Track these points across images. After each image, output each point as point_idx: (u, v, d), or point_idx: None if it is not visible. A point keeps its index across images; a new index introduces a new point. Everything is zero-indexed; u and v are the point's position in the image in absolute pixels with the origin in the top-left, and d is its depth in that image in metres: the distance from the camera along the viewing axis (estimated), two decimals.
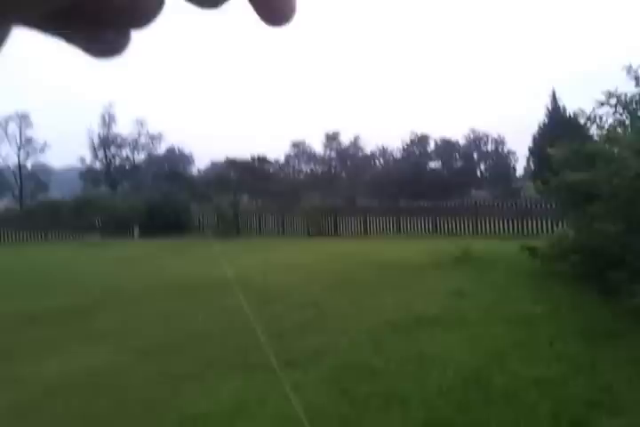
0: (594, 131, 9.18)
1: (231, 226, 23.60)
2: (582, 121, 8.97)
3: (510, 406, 3.65)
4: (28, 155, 51.40)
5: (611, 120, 8.31)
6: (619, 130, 8.29)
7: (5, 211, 41.70)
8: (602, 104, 8.16)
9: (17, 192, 50.47)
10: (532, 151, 41.97)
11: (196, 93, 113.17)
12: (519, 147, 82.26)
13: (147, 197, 28.59)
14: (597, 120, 8.40)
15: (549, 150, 8.87)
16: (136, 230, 24.37)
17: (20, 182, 50.21)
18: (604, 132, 8.37)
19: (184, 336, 6.16)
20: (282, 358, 5.09)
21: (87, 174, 53.59)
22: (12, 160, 50.94)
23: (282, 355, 5.22)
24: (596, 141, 8.77)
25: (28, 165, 53.31)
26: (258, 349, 5.48)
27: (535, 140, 41.37)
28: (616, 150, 7.52)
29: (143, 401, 4.25)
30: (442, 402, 3.75)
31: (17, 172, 50.41)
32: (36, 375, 5.01)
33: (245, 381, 4.55)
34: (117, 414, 4.05)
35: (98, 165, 53.96)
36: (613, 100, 8.06)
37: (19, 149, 50.53)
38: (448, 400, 3.77)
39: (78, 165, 55.47)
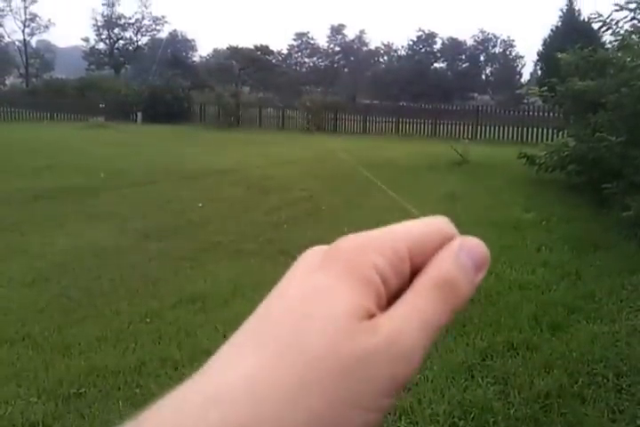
0: (607, 37, 8.71)
1: (232, 116, 23.18)
2: (597, 26, 8.47)
3: (493, 306, 3.72)
4: (32, 32, 49.38)
5: (627, 26, 7.83)
6: (634, 37, 7.85)
7: (11, 89, 40.72)
8: (620, 8, 7.64)
9: (22, 70, 48.94)
10: (540, 56, 40.41)
11: None
12: (528, 52, 79.30)
13: (149, 83, 27.80)
14: (613, 25, 7.92)
15: (559, 55, 8.48)
16: (139, 116, 23.98)
17: (26, 60, 48.51)
18: (618, 38, 7.92)
19: (184, 222, 6.20)
20: (276, 248, 5.15)
21: (91, 55, 51.88)
22: (17, 37, 49.02)
23: (276, 244, 5.29)
24: (608, 49, 8.35)
25: (33, 42, 51.47)
26: (254, 237, 5.54)
27: (546, 44, 39.69)
28: (628, 59, 7.16)
29: (145, 279, 4.33)
30: None
31: (22, 48, 48.58)
32: (44, 249, 5.08)
33: (241, 266, 4.62)
34: (121, 289, 4.14)
35: (102, 46, 52.20)
36: (633, 5, 7.53)
37: (23, 24, 48.37)
38: None
39: (82, 44, 53.69)
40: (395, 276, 0.29)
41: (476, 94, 54.35)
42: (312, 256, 0.31)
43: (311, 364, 0.26)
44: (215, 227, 5.96)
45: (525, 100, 23.56)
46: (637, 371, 2.87)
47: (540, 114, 17.33)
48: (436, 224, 0.32)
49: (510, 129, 18.30)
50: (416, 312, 0.28)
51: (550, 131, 15.87)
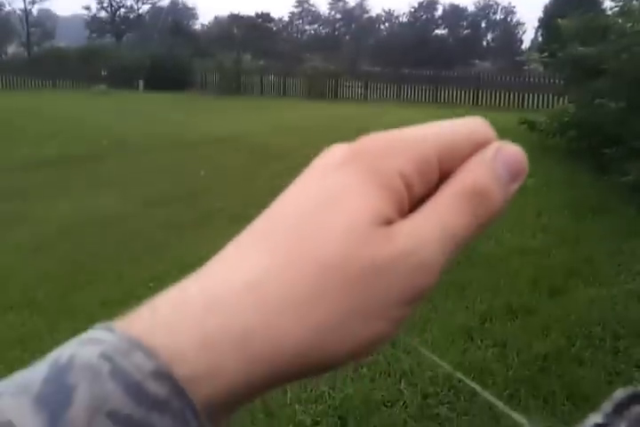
0: (608, 3, 8.51)
1: (233, 84, 22.91)
2: None
3: (493, 271, 3.70)
4: (33, 0, 48.44)
5: None
6: (635, 3, 7.67)
7: (13, 57, 40.24)
8: None
9: (24, 39, 48.20)
10: (541, 22, 39.70)
11: None
12: (529, 18, 77.82)
13: (151, 51, 27.41)
14: None
15: (560, 21, 8.29)
16: (141, 83, 23.70)
17: (27, 28, 47.72)
18: (619, 4, 7.74)
19: (186, 189, 6.15)
20: None
21: (92, 23, 51.07)
22: (18, 5, 48.19)
23: None
24: (609, 15, 8.17)
25: (34, 11, 50.55)
26: (256, 203, 5.50)
27: (546, 10, 39.00)
28: (629, 25, 7.00)
29: (148, 245, 4.32)
30: None
31: (23, 17, 47.73)
32: (48, 216, 5.05)
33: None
34: (124, 255, 4.13)
35: (103, 14, 51.34)
36: None
37: None
38: None
39: (84, 12, 52.78)
40: (420, 183, 0.26)
41: (476, 61, 53.62)
42: (332, 155, 0.28)
43: (322, 271, 0.24)
44: (217, 193, 5.91)
45: (526, 67, 23.23)
46: (634, 333, 2.86)
47: (541, 80, 17.06)
48: (472, 126, 0.28)
49: (511, 95, 18.02)
50: (439, 222, 0.25)
51: (551, 97, 15.67)
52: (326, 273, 0.24)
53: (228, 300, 0.23)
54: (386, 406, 2.30)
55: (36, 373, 0.22)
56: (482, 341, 2.80)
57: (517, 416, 0.24)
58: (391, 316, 0.25)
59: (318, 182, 0.26)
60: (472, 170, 0.26)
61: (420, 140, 0.26)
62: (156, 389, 0.21)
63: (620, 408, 0.23)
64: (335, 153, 0.28)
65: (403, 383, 2.44)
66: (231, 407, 0.24)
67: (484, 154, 0.27)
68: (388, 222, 0.25)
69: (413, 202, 0.26)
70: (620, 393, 0.24)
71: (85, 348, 0.22)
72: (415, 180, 0.25)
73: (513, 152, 0.27)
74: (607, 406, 0.23)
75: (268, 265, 0.24)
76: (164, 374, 0.21)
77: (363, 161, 0.26)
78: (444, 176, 0.26)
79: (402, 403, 2.31)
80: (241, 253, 0.26)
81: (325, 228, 0.24)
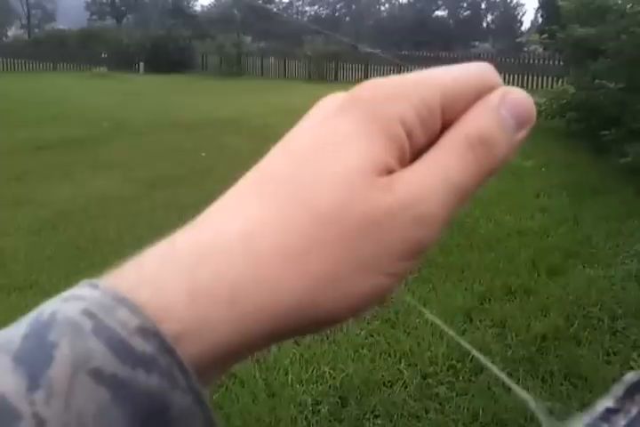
0: None
1: (234, 66, 22.73)
2: None
3: (492, 251, 3.68)
4: None
5: None
6: None
7: (14, 40, 39.89)
8: None
9: (24, 21, 47.71)
10: (541, 3, 39.23)
11: None
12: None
13: (151, 33, 27.15)
14: None
15: (560, 2, 8.18)
16: (141, 65, 23.52)
17: (28, 10, 47.20)
18: None
19: (187, 170, 6.11)
20: None
21: (92, 5, 50.46)
22: None
23: None
24: None
25: None
26: None
27: None
28: (629, 6, 6.91)
29: (150, 227, 4.29)
30: None
31: None
32: (50, 198, 5.02)
33: None
34: (126, 237, 4.11)
35: None
36: None
37: None
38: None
39: None
40: (422, 130, 0.24)
41: (477, 42, 53.14)
42: (330, 102, 0.26)
43: (318, 223, 0.22)
44: (219, 175, 5.87)
45: (526, 49, 23.02)
46: (632, 314, 2.86)
47: (541, 61, 16.91)
48: (478, 71, 0.27)
49: (511, 77, 17.84)
50: (441, 172, 0.23)
51: (551, 78, 15.52)
52: (322, 224, 0.22)
53: (218, 252, 0.22)
54: (386, 386, 2.31)
55: (16, 330, 0.21)
56: (481, 321, 2.79)
57: (522, 393, 0.22)
58: (390, 270, 0.23)
59: (316, 130, 0.25)
60: (476, 117, 0.25)
61: (423, 85, 0.25)
62: (142, 346, 0.20)
63: (632, 392, 0.22)
64: (334, 100, 0.26)
65: (402, 364, 2.44)
66: (223, 365, 0.23)
67: (489, 100, 0.25)
68: (388, 172, 0.23)
69: (415, 152, 0.24)
70: (631, 376, 0.22)
71: (68, 304, 0.21)
72: (417, 127, 0.24)
73: (520, 98, 0.26)
74: (618, 389, 0.22)
75: (262, 215, 0.23)
76: (150, 331, 0.20)
77: (362, 107, 0.24)
78: (447, 125, 0.25)
79: (402, 383, 2.31)
80: (235, 202, 0.24)
81: (322, 176, 0.23)
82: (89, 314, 0.20)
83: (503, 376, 0.24)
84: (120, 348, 0.19)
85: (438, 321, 0.27)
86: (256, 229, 0.22)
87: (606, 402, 0.22)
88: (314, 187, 0.23)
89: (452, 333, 0.27)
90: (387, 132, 0.23)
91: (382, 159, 0.23)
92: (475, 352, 0.26)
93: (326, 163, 0.23)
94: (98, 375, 0.19)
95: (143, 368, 0.19)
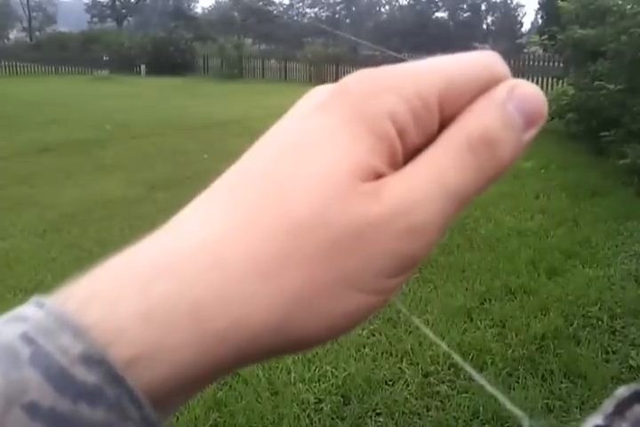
0: None
1: (235, 69, 22.76)
2: None
3: (492, 252, 3.70)
4: None
5: None
6: None
7: (16, 43, 39.94)
8: None
9: (25, 24, 47.79)
10: (541, 5, 39.23)
11: None
12: (528, 1, 76.90)
13: (152, 36, 27.20)
14: None
15: (559, 3, 8.20)
16: (143, 68, 23.56)
17: (29, 13, 47.29)
18: None
19: (191, 172, 6.13)
20: None
21: (93, 7, 50.55)
22: None
23: None
24: None
25: None
26: None
27: None
28: (629, 7, 6.92)
29: (153, 229, 4.24)
30: None
31: (24, 1, 47.24)
32: (54, 201, 5.04)
33: None
34: (130, 239, 4.10)
35: None
36: None
37: None
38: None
39: None
40: (417, 128, 0.21)
41: (477, 44, 53.10)
42: (316, 95, 0.23)
43: (293, 233, 0.19)
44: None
45: (526, 50, 23.02)
46: (631, 313, 2.88)
47: (541, 63, 16.92)
48: (483, 61, 0.23)
49: None
50: (437, 176, 0.20)
51: (551, 80, 15.53)
52: (296, 234, 0.19)
53: (179, 264, 0.20)
54: (387, 384, 2.33)
55: None
56: (481, 321, 2.82)
57: (516, 410, 0.21)
58: (376, 287, 0.20)
59: (295, 127, 0.22)
60: (479, 114, 0.21)
61: (418, 76, 0.21)
62: (84, 375, 0.17)
63: (622, 408, 0.21)
64: (320, 94, 0.23)
65: (404, 362, 2.46)
66: (195, 387, 0.20)
67: (495, 94, 0.22)
68: (376, 176, 0.20)
69: (408, 153, 0.21)
70: (622, 391, 0.22)
71: (8, 327, 0.18)
72: (410, 124, 0.21)
73: (530, 92, 0.22)
74: (608, 405, 0.21)
75: (230, 224, 0.20)
76: (94, 358, 0.18)
77: (346, 101, 0.21)
78: (446, 122, 0.21)
79: (403, 381, 2.34)
80: (203, 208, 0.22)
81: (298, 180, 0.20)
82: (28, 339, 0.18)
83: (496, 392, 0.22)
84: (59, 378, 0.17)
85: (427, 330, 0.26)
86: (222, 238, 0.20)
87: (596, 419, 0.21)
88: (288, 191, 0.20)
89: (442, 344, 0.26)
90: (374, 131, 0.20)
91: (368, 161, 0.20)
92: (467, 367, 0.25)
93: (304, 164, 0.20)
94: (33, 410, 0.17)
95: (86, 401, 0.17)
